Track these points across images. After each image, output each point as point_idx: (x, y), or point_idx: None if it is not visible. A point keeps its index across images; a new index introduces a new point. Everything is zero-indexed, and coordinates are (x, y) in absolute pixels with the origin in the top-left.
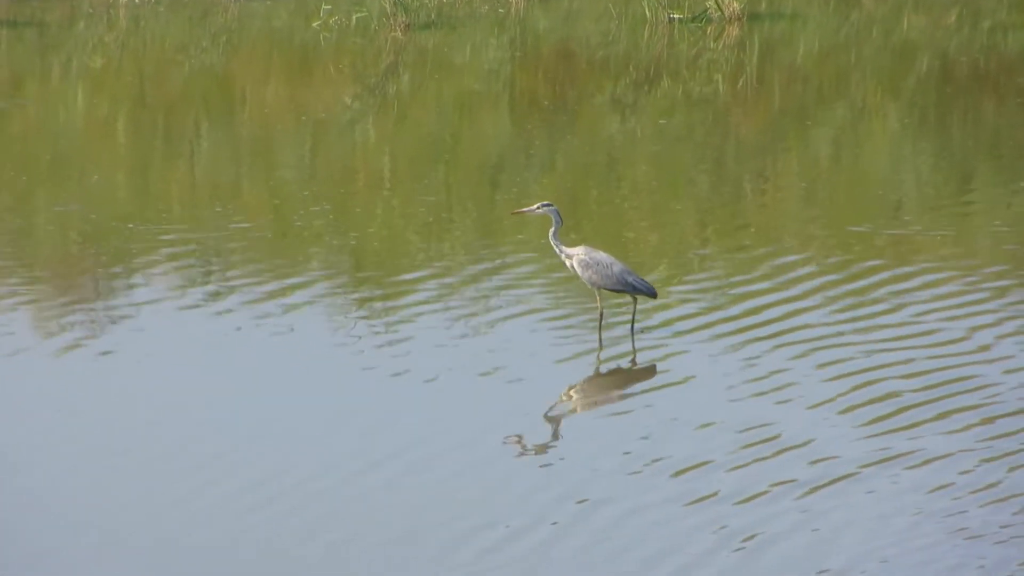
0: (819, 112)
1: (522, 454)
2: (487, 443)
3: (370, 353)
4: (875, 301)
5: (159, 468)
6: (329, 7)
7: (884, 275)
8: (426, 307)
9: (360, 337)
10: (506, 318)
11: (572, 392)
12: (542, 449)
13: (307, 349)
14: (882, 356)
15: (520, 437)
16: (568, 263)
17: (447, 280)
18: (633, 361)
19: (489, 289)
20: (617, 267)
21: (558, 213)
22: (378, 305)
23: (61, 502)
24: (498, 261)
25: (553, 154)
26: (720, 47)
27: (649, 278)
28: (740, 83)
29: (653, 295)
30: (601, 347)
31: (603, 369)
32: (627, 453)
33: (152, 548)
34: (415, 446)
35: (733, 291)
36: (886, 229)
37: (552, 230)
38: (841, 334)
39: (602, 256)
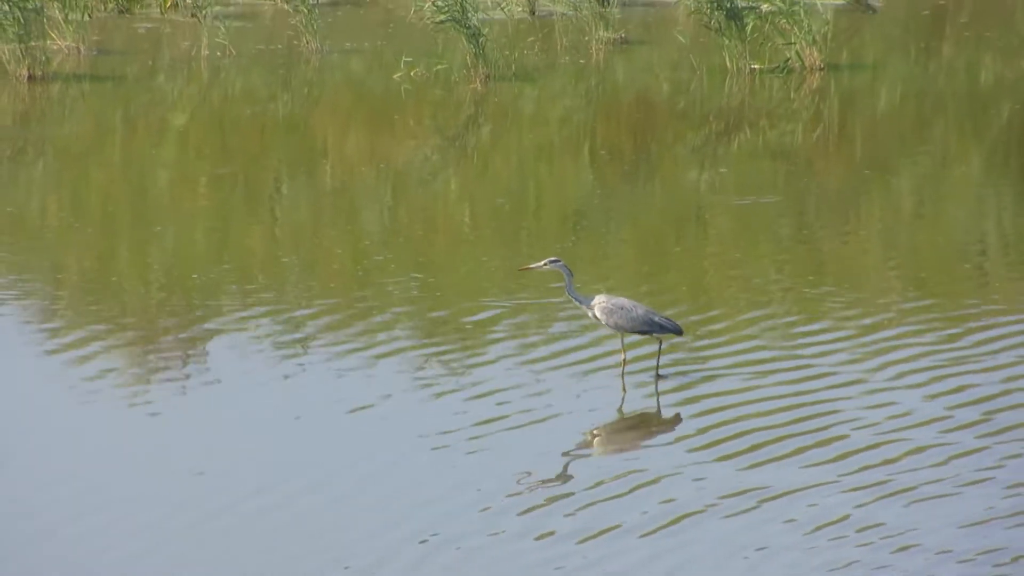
0: (900, 161)
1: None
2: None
3: (448, 401)
4: (964, 347)
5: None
6: (410, 59)
7: (972, 324)
8: (504, 359)
9: (439, 385)
10: (572, 363)
11: (591, 434)
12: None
13: (389, 397)
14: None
15: (529, 473)
16: (590, 312)
17: (524, 330)
18: (657, 402)
19: (563, 336)
20: (640, 309)
21: (566, 267)
22: (456, 356)
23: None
24: (575, 311)
25: (633, 204)
26: (801, 97)
27: (722, 324)
28: (820, 132)
29: (679, 333)
30: (625, 391)
31: (626, 412)
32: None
33: None
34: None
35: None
36: (966, 279)
37: (566, 284)
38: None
39: (623, 301)
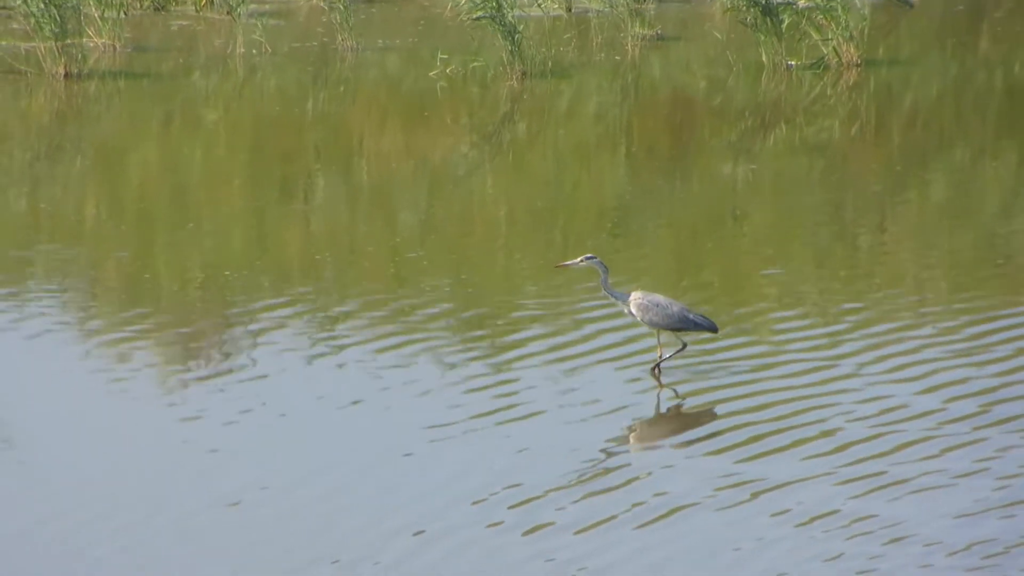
0: (937, 156)
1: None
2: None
3: (479, 398)
4: (997, 344)
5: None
6: (446, 56)
7: (1004, 322)
8: (536, 357)
9: (471, 384)
10: (605, 361)
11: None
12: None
13: (424, 395)
14: None
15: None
16: (626, 309)
17: (555, 327)
18: (676, 394)
19: (593, 335)
20: (676, 307)
21: (602, 264)
22: (492, 355)
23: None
24: (610, 308)
25: (670, 200)
26: (837, 93)
27: (757, 320)
28: (857, 129)
29: (714, 330)
30: (661, 387)
31: (663, 409)
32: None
33: None
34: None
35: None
36: (999, 276)
37: (602, 280)
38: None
39: (659, 298)
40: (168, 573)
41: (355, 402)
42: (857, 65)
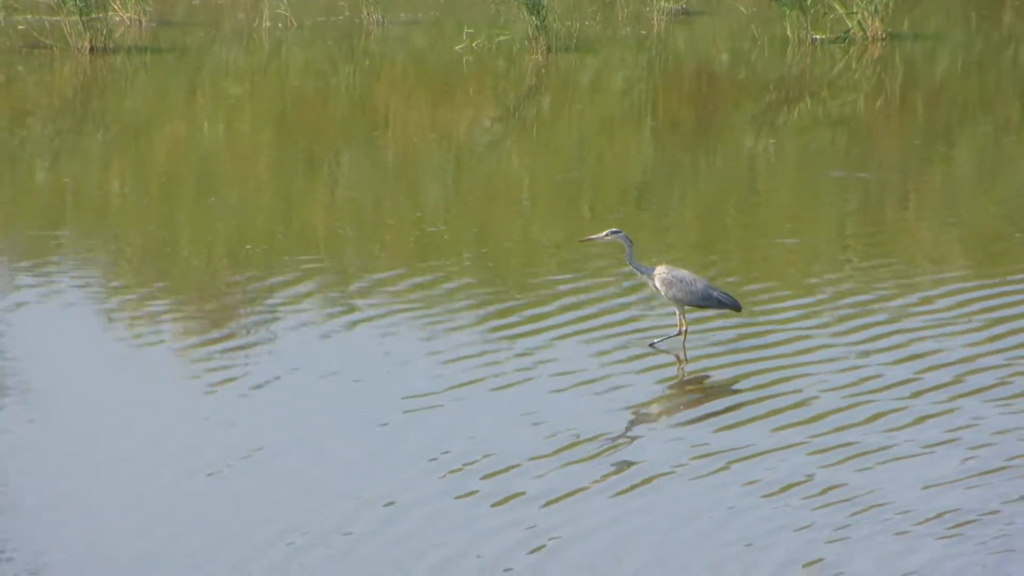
0: (961, 130)
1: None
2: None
3: (501, 370)
4: (976, 314)
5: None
6: (472, 31)
7: (986, 292)
8: (563, 328)
9: (497, 355)
10: (625, 333)
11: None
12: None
13: (447, 368)
14: None
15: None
16: (651, 283)
17: (567, 302)
18: (681, 372)
19: (623, 308)
20: (700, 283)
21: (627, 238)
22: (515, 327)
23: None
24: (624, 286)
25: (695, 174)
26: (862, 67)
27: (780, 293)
28: (882, 102)
29: (738, 309)
30: (684, 361)
31: (641, 381)
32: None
33: None
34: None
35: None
36: (1018, 248)
37: (627, 254)
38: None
39: (684, 274)
40: (145, 542)
41: (355, 376)
42: (882, 39)
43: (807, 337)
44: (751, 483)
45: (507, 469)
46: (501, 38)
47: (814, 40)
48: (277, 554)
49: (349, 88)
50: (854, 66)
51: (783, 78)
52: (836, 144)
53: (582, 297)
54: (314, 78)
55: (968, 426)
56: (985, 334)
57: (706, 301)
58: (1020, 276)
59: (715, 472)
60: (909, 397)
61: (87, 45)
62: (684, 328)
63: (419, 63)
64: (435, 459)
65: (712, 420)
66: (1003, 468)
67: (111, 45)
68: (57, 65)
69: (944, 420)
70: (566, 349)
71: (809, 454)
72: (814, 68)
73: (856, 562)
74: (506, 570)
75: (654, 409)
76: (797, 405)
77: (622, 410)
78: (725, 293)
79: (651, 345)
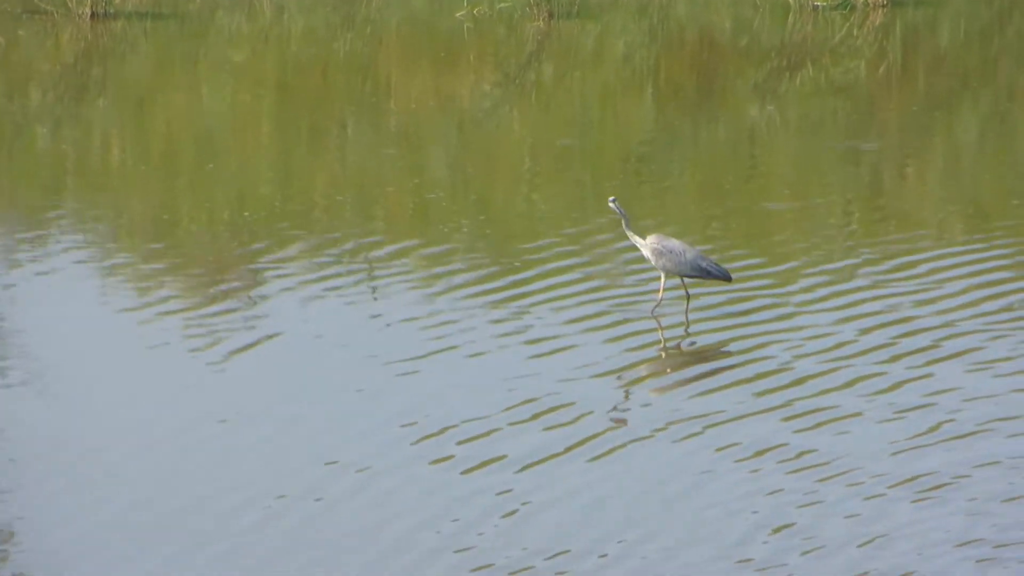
0: (964, 98)
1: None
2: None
3: (508, 341)
4: (954, 280)
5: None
6: None
7: (967, 257)
8: (549, 294)
9: (481, 320)
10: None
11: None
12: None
13: (457, 335)
14: None
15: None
16: (644, 252)
17: (574, 264)
18: (660, 340)
19: (622, 275)
20: (690, 253)
21: (620, 208)
22: (502, 292)
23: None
24: (621, 259)
25: (696, 141)
26: (864, 34)
27: (793, 262)
28: (883, 69)
29: (728, 279)
30: (663, 328)
31: (618, 346)
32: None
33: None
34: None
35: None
36: (1019, 215)
37: (624, 223)
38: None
39: (674, 244)
40: (115, 506)
41: (338, 341)
42: (883, 5)
43: (786, 304)
44: (725, 448)
45: (486, 435)
46: (502, 5)
47: (815, 7)
48: (248, 519)
49: (350, 55)
50: (855, 33)
51: (784, 45)
52: (837, 112)
53: (572, 262)
54: (315, 45)
55: (943, 391)
56: (964, 299)
57: (695, 272)
58: (1011, 241)
59: (690, 437)
60: (886, 362)
61: (88, 11)
62: (662, 296)
63: (420, 30)
64: (410, 424)
65: (689, 386)
66: (976, 432)
67: (112, 11)
68: (58, 31)
69: (920, 385)
70: (549, 315)
71: (784, 419)
72: (815, 35)
73: (828, 526)
74: (479, 534)
75: (630, 375)
76: (776, 371)
77: (598, 376)
78: (715, 264)
79: (652, 313)
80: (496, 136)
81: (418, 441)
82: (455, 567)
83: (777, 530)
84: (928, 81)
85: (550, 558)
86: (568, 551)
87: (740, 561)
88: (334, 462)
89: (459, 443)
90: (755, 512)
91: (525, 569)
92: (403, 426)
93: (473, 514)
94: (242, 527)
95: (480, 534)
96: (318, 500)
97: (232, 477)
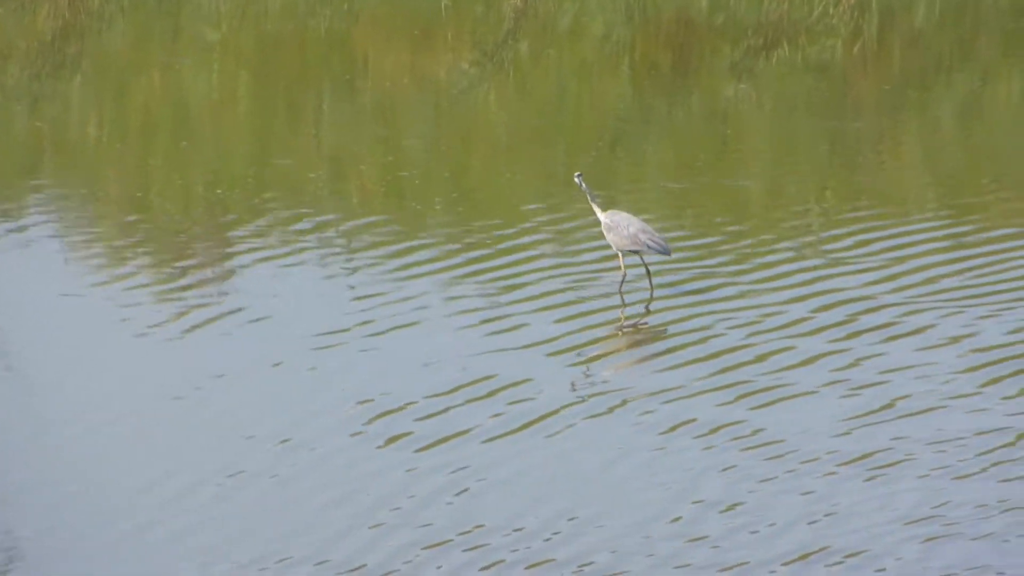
0: (939, 77)
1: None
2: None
3: (483, 320)
4: (916, 257)
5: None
6: None
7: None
8: (524, 273)
9: (473, 302)
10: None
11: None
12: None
13: (416, 312)
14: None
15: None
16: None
17: (549, 242)
18: (624, 318)
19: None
20: (633, 227)
21: (583, 183)
22: (491, 273)
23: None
24: (581, 235)
25: (671, 120)
26: (840, 12)
27: (758, 240)
28: (859, 48)
29: (667, 253)
30: (624, 305)
31: (554, 321)
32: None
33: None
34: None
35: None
36: (1004, 197)
37: (588, 199)
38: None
39: (621, 217)
40: (64, 489)
41: (303, 315)
42: None
43: (747, 281)
44: (680, 425)
45: (442, 412)
46: None
47: None
48: (202, 497)
49: (327, 32)
50: (831, 12)
51: (760, 23)
52: (812, 90)
53: (538, 237)
54: (292, 21)
55: (897, 368)
56: (924, 275)
57: (634, 245)
58: (977, 217)
59: (645, 414)
60: (843, 339)
61: None
62: (623, 271)
63: (398, 7)
64: (366, 401)
65: (647, 363)
66: (929, 410)
67: None
68: (35, 7)
69: (875, 362)
70: (511, 293)
71: (739, 396)
72: (792, 13)
73: (780, 504)
74: (434, 511)
75: (588, 352)
76: (733, 348)
77: (556, 353)
78: (656, 238)
79: (619, 290)
80: (472, 113)
81: (374, 419)
82: (411, 544)
83: (730, 507)
84: (903, 60)
85: (505, 535)
86: (522, 528)
87: (693, 540)
88: (288, 439)
89: (415, 420)
90: (709, 489)
91: (480, 546)
92: (359, 403)
93: (428, 491)
94: (196, 505)
95: (435, 511)
96: (273, 477)
97: (186, 456)
